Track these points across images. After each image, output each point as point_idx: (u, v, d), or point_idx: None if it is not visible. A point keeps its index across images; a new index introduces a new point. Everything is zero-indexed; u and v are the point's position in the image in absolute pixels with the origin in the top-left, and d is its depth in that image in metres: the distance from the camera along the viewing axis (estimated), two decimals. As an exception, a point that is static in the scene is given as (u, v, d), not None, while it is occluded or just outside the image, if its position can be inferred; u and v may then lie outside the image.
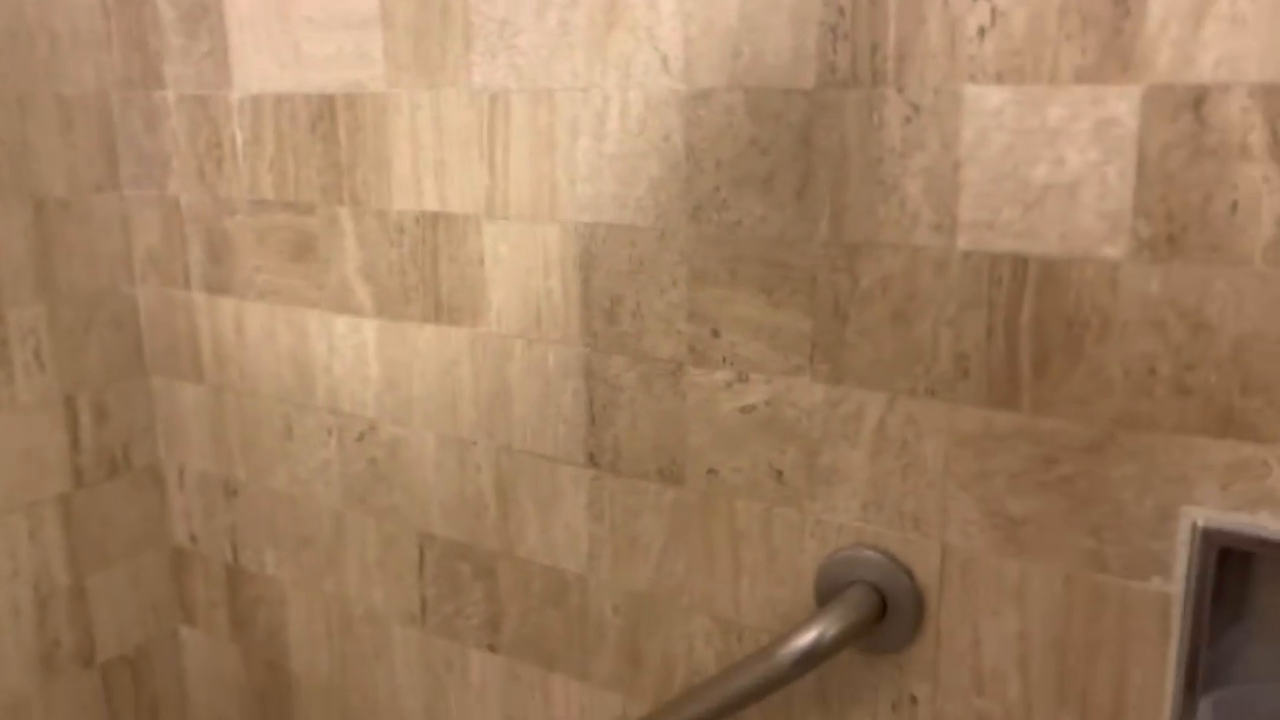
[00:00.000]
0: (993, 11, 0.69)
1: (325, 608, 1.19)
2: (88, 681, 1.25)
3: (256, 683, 1.29)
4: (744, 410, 0.85)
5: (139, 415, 1.27)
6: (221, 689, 1.33)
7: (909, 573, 0.80)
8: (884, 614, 0.81)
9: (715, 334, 0.85)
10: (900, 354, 0.77)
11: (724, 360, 0.85)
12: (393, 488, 1.10)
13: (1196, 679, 0.69)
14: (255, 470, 1.21)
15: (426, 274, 1.01)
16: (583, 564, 0.98)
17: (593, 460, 0.95)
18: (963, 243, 0.73)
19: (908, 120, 0.73)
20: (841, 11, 0.74)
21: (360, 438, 1.11)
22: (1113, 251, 0.68)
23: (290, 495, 1.19)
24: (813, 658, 0.78)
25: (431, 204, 0.99)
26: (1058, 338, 0.71)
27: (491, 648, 1.06)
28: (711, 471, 0.88)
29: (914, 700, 0.82)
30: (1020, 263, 0.71)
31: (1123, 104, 0.66)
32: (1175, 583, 0.69)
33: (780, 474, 0.84)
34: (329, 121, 1.04)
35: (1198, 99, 0.64)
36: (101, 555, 1.24)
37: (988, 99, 0.70)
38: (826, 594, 0.83)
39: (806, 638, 0.78)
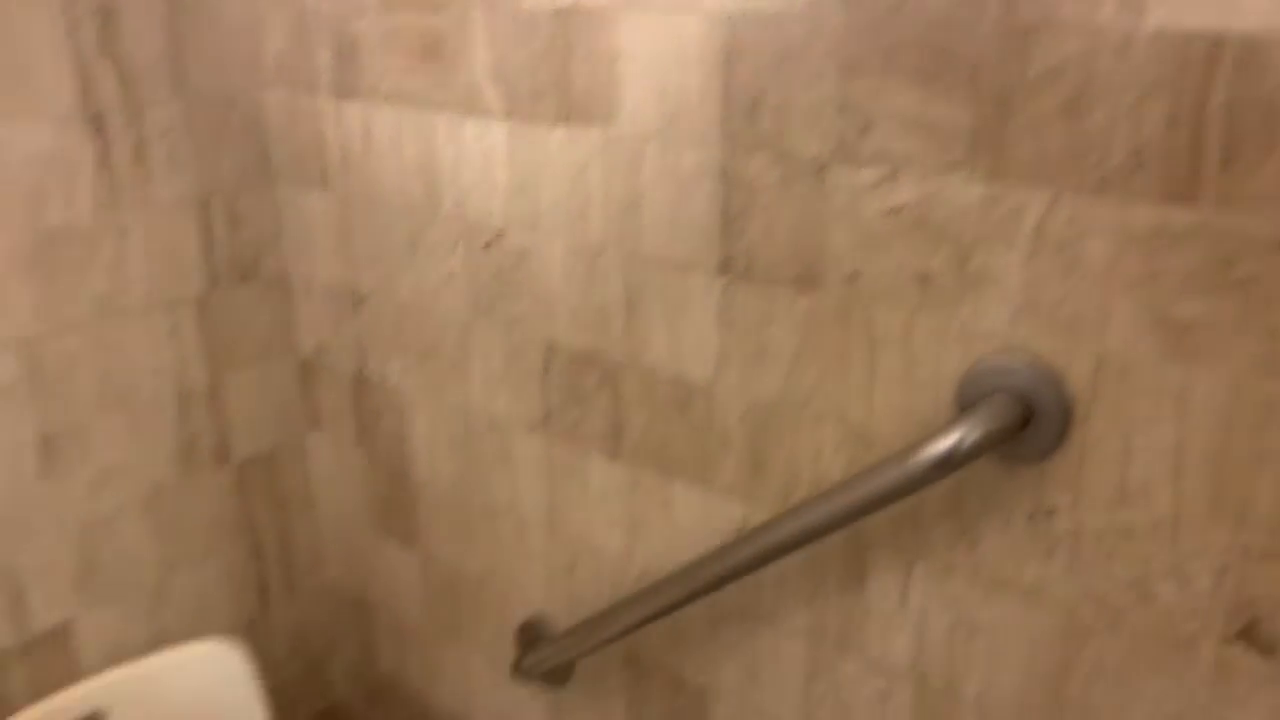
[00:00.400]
0: None
1: (449, 416, 1.22)
2: (224, 477, 1.31)
3: (380, 487, 1.34)
4: (891, 211, 0.82)
5: (268, 223, 1.29)
6: (347, 492, 1.38)
7: (1059, 381, 0.77)
8: (1028, 423, 0.78)
9: (865, 129, 0.81)
10: (1069, 147, 0.72)
11: (873, 157, 0.81)
12: (519, 296, 1.10)
13: (1371, 492, 0.66)
14: (382, 280, 1.22)
15: (558, 73, 0.99)
16: (709, 373, 0.97)
17: (725, 266, 0.93)
18: (1151, 21, 0.67)
19: (1101, -118, 0.67)
20: None
21: (487, 246, 1.11)
22: (1328, 25, 0.62)
23: (416, 305, 1.20)
24: (951, 462, 0.77)
25: (567, -3, 0.96)
26: (1251, 126, 0.65)
27: (613, 455, 1.07)
28: (851, 277, 0.85)
29: (1052, 512, 0.80)
30: (1215, 42, 0.65)
31: None
32: (1359, 390, 0.65)
33: (926, 278, 0.81)
34: (461, -89, 1.00)
35: None
36: (234, 359, 1.29)
37: None
38: (968, 403, 0.81)
39: (946, 441, 0.76)
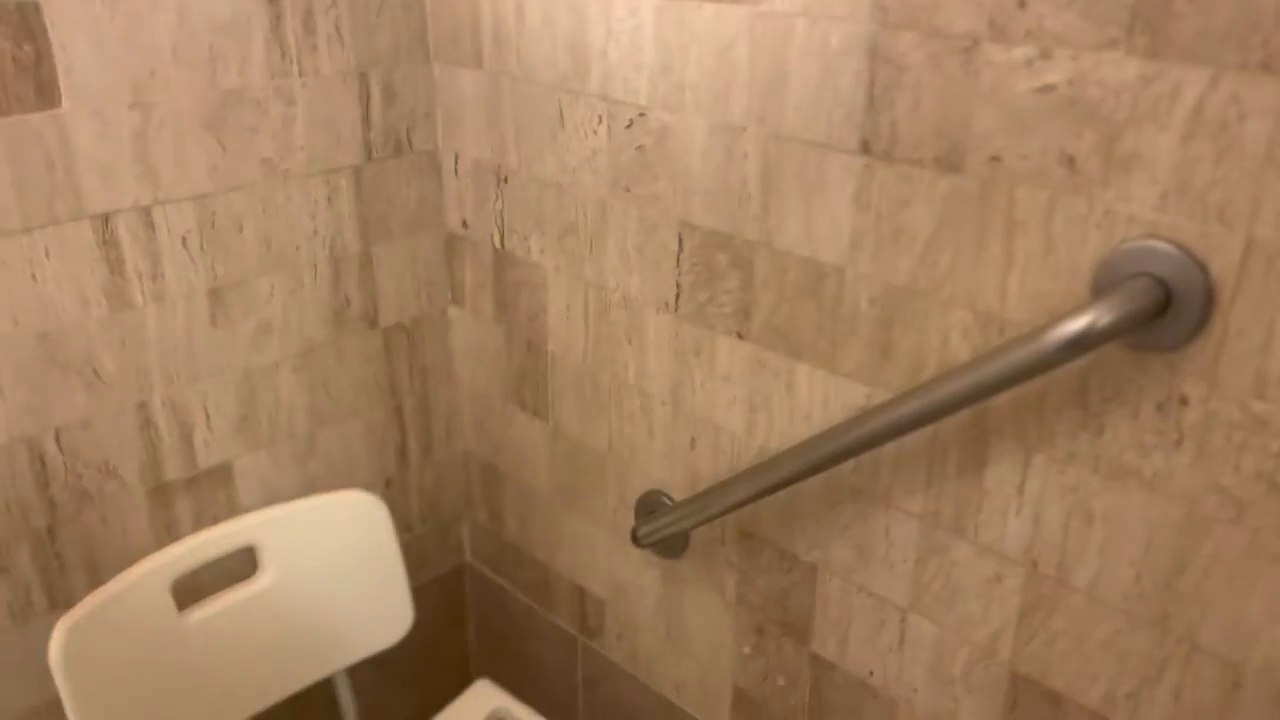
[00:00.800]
0: None
1: (584, 293, 1.26)
2: (371, 341, 1.39)
3: (516, 360, 1.40)
4: (1042, 90, 0.81)
5: (421, 99, 1.34)
6: (485, 364, 1.45)
7: (1203, 267, 0.75)
8: (1166, 309, 0.78)
9: (1021, 5, 0.80)
10: (1235, 23, 0.70)
11: (1027, 34, 0.80)
12: (658, 176, 1.12)
13: None
14: (526, 158, 1.27)
15: (711, -51, 0.99)
16: (843, 255, 0.98)
17: (865, 147, 0.93)
18: (1339, -113, 0.64)
19: None
20: None
21: (630, 125, 1.13)
22: None
23: (558, 183, 1.24)
24: (1084, 343, 0.77)
25: None
26: None
27: (740, 335, 1.10)
28: (994, 158, 0.85)
29: (1184, 401, 0.79)
30: None
31: None
32: None
33: (1072, 160, 0.80)
34: None
35: None
36: (385, 230, 1.35)
37: None
38: (1105, 289, 0.81)
39: (1080, 321, 0.76)
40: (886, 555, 1.04)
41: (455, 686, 1.51)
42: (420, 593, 1.53)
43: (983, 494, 0.94)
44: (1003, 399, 0.90)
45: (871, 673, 1.10)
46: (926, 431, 0.97)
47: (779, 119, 0.99)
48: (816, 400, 1.05)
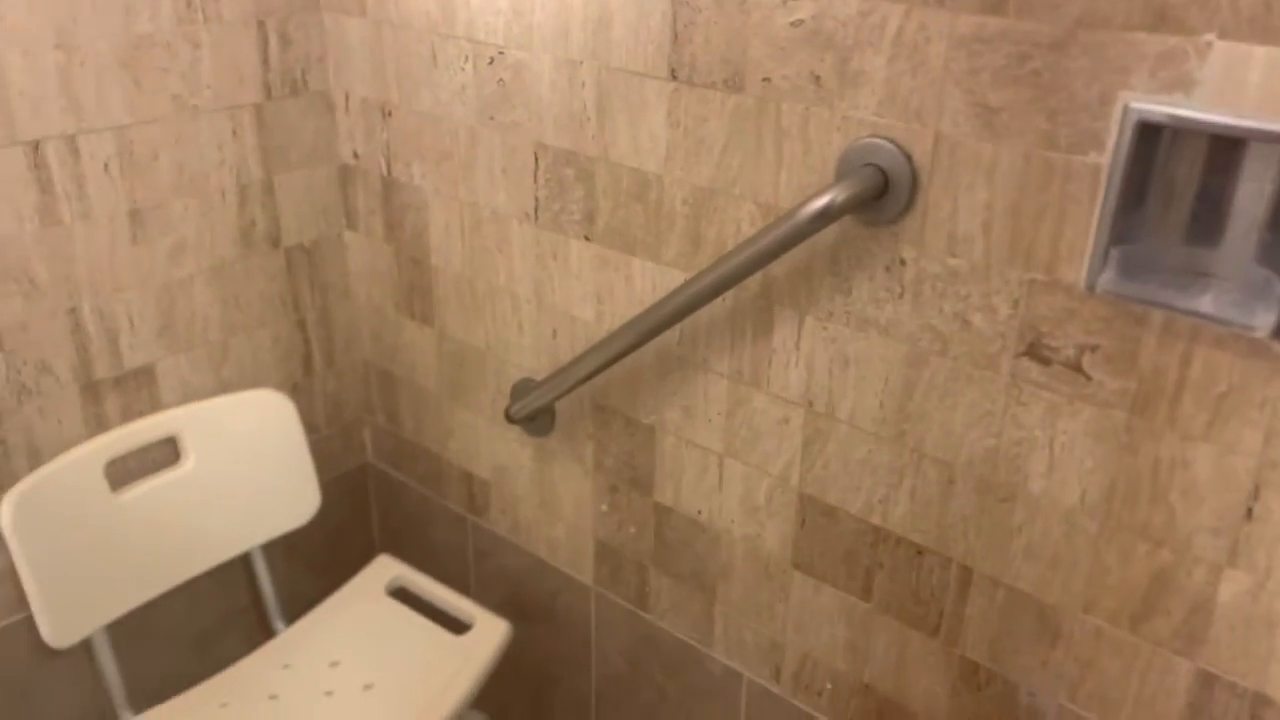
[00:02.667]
0: None
1: (459, 211, 1.47)
2: (275, 260, 1.58)
3: (404, 276, 1.60)
4: (794, 24, 1.04)
5: (314, 44, 1.53)
6: (377, 280, 1.65)
7: (908, 156, 1.00)
8: (885, 191, 1.02)
9: (776, -43, 1.03)
10: (919, -30, 0.94)
11: (781, -19, 1.03)
12: (515, 105, 1.34)
13: (1112, 234, 0.89)
14: (406, 94, 1.47)
15: (549, -87, 1.20)
16: (660, 164, 1.21)
17: (674, 74, 1.16)
18: None
19: None
20: None
21: (491, 62, 1.34)
22: None
23: (433, 115, 1.44)
24: (827, 215, 1.01)
25: None
26: (1043, -49, 0.87)
27: (587, 238, 1.33)
28: (766, 79, 1.08)
29: (903, 262, 1.04)
30: (1021, -114, 0.87)
31: None
32: (1106, 155, 0.88)
33: (819, 78, 1.04)
34: None
35: None
36: (285, 161, 1.54)
37: None
38: (843, 177, 1.05)
39: (822, 200, 1.01)
40: (705, 411, 1.28)
41: (360, 568, 1.72)
42: (327, 488, 1.73)
43: (771, 352, 1.18)
44: (781, 273, 1.14)
45: (700, 511, 1.34)
46: (729, 305, 1.20)
47: (607, 53, 1.21)
48: (648, 287, 1.28)
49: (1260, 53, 0.79)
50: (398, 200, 1.56)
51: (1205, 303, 0.86)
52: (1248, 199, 0.84)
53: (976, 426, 1.04)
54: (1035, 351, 0.98)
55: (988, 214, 0.97)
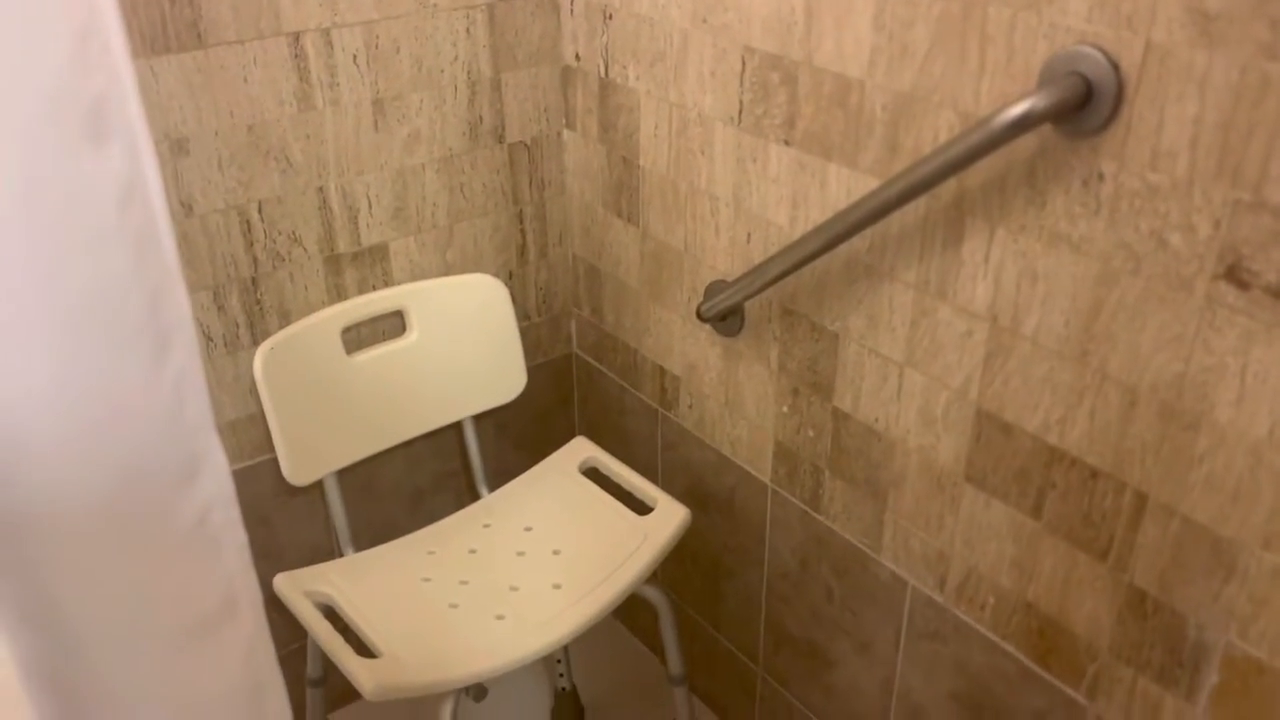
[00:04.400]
0: None
1: (669, 113, 1.53)
2: (499, 154, 1.69)
3: (614, 175, 1.68)
4: (1007, -74, 1.02)
5: (545, -52, 1.61)
6: (590, 178, 1.74)
7: (1115, 65, 0.97)
8: (1088, 101, 0.99)
9: None
10: None
11: (998, -120, 1.01)
12: (728, 7, 1.37)
13: (1330, 152, 0.84)
14: (626, -3, 1.53)
15: None
16: (864, 69, 1.22)
17: (883, -22, 1.16)
18: None
19: None
20: None
21: (707, -34, 1.37)
22: None
23: (650, 18, 1.49)
24: (1025, 123, 0.99)
25: None
26: None
27: (787, 142, 1.35)
28: (974, -16, 1.07)
29: (1101, 177, 1.01)
30: None
31: None
32: (1331, 67, 0.83)
33: (1028, -17, 1.02)
34: None
35: None
36: (513, 59, 1.64)
37: None
38: (1046, 86, 1.03)
39: (1021, 107, 0.99)
40: (890, 321, 1.30)
41: (559, 447, 1.85)
42: (534, 373, 1.86)
43: (960, 264, 1.18)
44: (975, 183, 1.14)
45: (877, 419, 1.37)
46: (921, 214, 1.21)
47: (819, -43, 1.22)
48: (842, 194, 1.30)
49: None
50: (613, 101, 1.63)
51: None
52: None
53: (1164, 350, 1.01)
54: (1234, 275, 0.94)
55: (1195, 129, 0.93)
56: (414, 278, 1.68)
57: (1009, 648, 1.28)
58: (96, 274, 0.49)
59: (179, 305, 0.54)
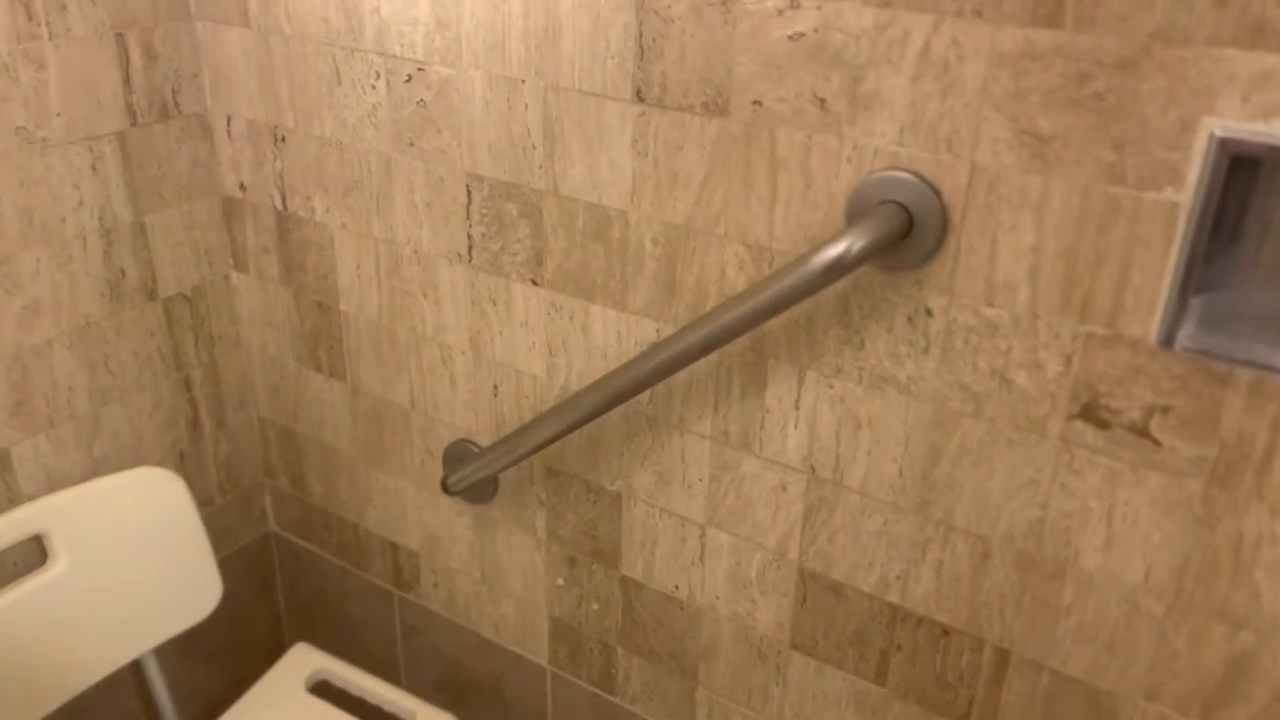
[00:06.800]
0: None
1: (374, 249, 1.27)
2: (152, 312, 1.34)
3: (307, 322, 1.39)
4: (793, 38, 0.88)
5: (186, 60, 1.29)
6: (274, 328, 1.43)
7: (937, 192, 0.86)
8: (909, 232, 0.88)
9: (770, -41, 0.87)
10: (951, -25, 0.79)
11: (776, -13, 0.87)
12: (441, 130, 1.14)
13: (1192, 281, 0.77)
14: (303, 116, 1.25)
15: (478, -96, 1.01)
16: (625, 199, 1.04)
17: (639, 96, 0.99)
18: None
19: None
20: None
21: (409, 80, 1.14)
22: None
23: (338, 141, 1.23)
24: (841, 266, 0.85)
25: None
26: (1107, -46, 0.73)
27: (535, 281, 1.14)
28: (756, 102, 0.92)
29: (929, 312, 0.90)
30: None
31: None
32: (1186, 192, 0.76)
33: (823, 102, 0.89)
34: None
35: None
36: (158, 197, 1.30)
37: None
38: (857, 216, 0.90)
39: (837, 247, 0.85)
40: (684, 477, 1.12)
41: (269, 656, 1.50)
42: (225, 565, 1.50)
43: (765, 411, 1.03)
44: (777, 323, 0.99)
45: (677, 587, 1.18)
46: (712, 358, 1.05)
47: (555, 70, 1.03)
48: (611, 338, 1.11)
49: (1385, 75, 0.67)
50: (296, 237, 1.34)
51: (1306, 361, 0.74)
52: (1359, 243, 0.72)
53: (1018, 496, 0.91)
54: (1092, 413, 0.85)
55: (1035, 258, 0.83)
56: (52, 488, 1.28)
57: (860, 823, 1.14)
58: None
59: None
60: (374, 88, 1.17)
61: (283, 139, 1.29)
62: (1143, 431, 0.83)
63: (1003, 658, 0.98)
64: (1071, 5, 0.76)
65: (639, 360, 0.99)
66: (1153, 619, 0.88)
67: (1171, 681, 0.89)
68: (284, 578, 1.64)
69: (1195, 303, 0.78)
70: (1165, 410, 0.82)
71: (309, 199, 1.30)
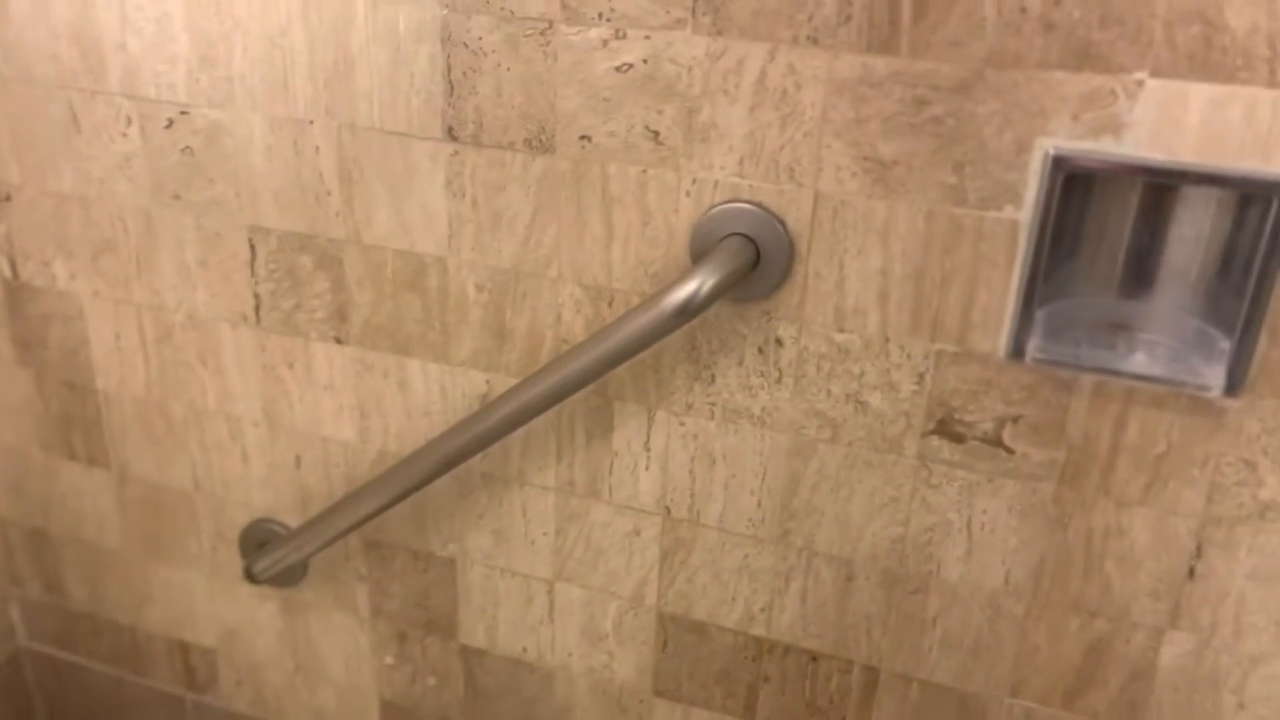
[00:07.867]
0: None
1: (136, 317, 1.11)
2: None
3: (55, 406, 1.20)
4: (620, 69, 0.84)
5: None
6: (11, 415, 1.22)
7: (782, 222, 0.84)
8: (757, 263, 0.86)
9: (591, -13, 0.82)
10: (784, 2, 0.78)
11: (600, 17, 0.83)
12: (213, 179, 1.01)
13: (1035, 295, 0.79)
14: (34, 170, 1.07)
15: (245, -73, 0.90)
16: (441, 244, 0.96)
17: (452, 134, 0.91)
18: (853, -117, 0.74)
19: None
20: None
21: (169, 125, 1.00)
22: (999, -111, 0.71)
23: (82, 197, 1.07)
24: (691, 309, 0.82)
25: None
26: (938, -19, 0.74)
27: (339, 339, 1.04)
28: (584, 137, 0.87)
29: (780, 342, 0.88)
30: (907, -96, 0.73)
31: None
32: (1025, 210, 0.78)
33: (657, 135, 0.85)
34: None
35: None
36: None
37: None
38: (701, 251, 0.87)
39: (686, 289, 0.82)
40: (526, 533, 1.05)
41: (40, 794, 1.29)
42: (-29, 700, 1.28)
43: (613, 456, 0.98)
44: (621, 365, 0.94)
45: (525, 649, 1.11)
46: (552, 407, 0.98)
47: (351, 109, 0.94)
48: (434, 394, 1.03)
49: (1200, 91, 0.72)
50: (34, 310, 1.15)
51: (1141, 362, 0.78)
52: (1182, 248, 0.77)
53: (878, 516, 0.92)
54: (946, 428, 0.87)
55: (884, 281, 0.84)
56: None
57: None
58: None
59: None
60: (125, 135, 1.02)
61: (7, 197, 1.10)
62: (996, 441, 0.85)
63: (872, 676, 0.98)
64: (907, 31, 0.76)
65: (474, 419, 0.92)
66: (1014, 619, 0.91)
67: (1034, 676, 0.92)
68: (44, 699, 1.42)
69: (1040, 314, 0.80)
70: (1016, 419, 0.84)
71: (47, 265, 1.12)
